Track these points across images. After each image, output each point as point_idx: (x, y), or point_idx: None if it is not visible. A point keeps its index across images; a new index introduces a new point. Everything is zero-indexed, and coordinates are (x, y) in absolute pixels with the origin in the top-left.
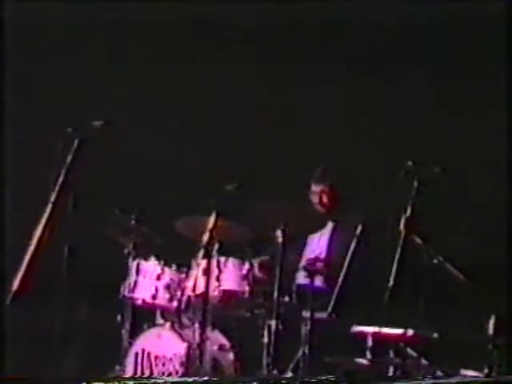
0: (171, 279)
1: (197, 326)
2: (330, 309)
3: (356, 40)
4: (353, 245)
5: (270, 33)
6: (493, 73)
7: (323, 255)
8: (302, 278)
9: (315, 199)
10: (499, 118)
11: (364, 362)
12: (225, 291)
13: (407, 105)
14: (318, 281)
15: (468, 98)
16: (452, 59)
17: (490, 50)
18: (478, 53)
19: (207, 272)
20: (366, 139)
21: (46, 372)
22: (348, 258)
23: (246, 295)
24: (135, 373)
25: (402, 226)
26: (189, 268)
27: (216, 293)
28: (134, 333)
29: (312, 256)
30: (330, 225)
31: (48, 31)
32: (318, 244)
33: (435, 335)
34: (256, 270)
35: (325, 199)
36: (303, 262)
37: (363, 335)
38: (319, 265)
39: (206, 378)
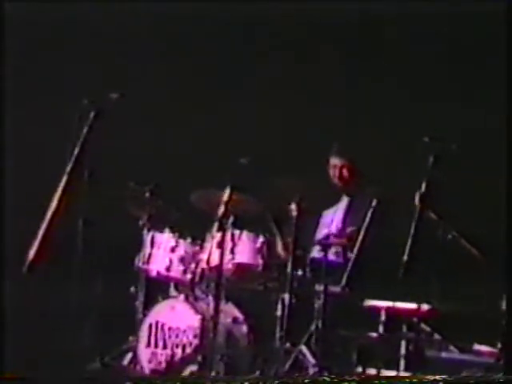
0: (185, 252)
1: (210, 298)
2: (343, 283)
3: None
4: (367, 219)
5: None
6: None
7: (338, 230)
8: (316, 251)
9: (335, 173)
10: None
11: (376, 335)
12: (239, 264)
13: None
14: (332, 255)
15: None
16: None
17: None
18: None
19: (221, 245)
20: (381, 115)
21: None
22: (362, 232)
23: (260, 268)
24: (149, 343)
25: (417, 201)
26: (203, 241)
27: (230, 266)
28: (148, 304)
29: (326, 231)
30: (345, 199)
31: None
32: (332, 219)
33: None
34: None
35: (345, 173)
36: (317, 236)
37: (376, 309)
38: (334, 240)
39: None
